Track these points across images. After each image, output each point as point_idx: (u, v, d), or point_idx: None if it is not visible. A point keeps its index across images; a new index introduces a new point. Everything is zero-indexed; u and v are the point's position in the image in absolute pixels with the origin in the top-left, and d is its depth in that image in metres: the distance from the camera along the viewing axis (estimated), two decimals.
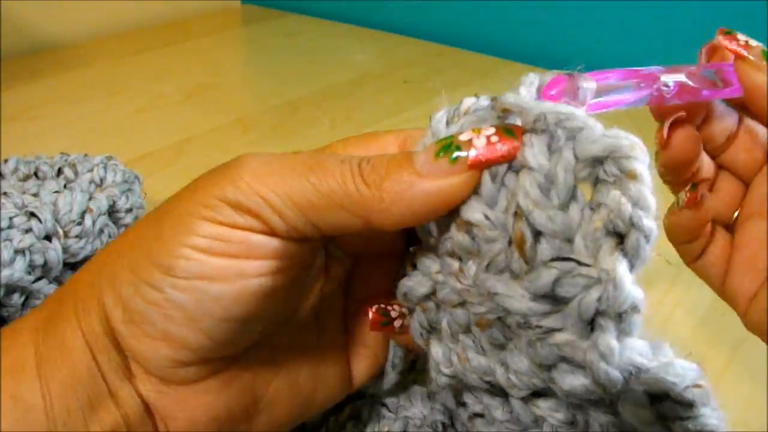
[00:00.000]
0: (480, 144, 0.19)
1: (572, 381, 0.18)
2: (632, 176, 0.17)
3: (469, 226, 0.19)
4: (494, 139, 0.19)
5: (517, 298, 0.18)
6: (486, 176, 0.19)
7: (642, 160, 0.17)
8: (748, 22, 0.70)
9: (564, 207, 0.18)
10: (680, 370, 0.18)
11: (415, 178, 0.20)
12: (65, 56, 0.91)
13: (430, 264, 0.22)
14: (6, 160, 0.43)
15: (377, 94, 0.80)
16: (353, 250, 0.26)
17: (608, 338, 0.17)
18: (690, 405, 0.18)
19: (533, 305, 0.18)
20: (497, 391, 0.21)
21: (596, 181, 0.18)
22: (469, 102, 0.21)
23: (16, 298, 0.33)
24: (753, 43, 0.25)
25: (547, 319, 0.18)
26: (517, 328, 0.19)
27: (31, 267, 0.33)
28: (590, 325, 0.17)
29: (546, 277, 0.17)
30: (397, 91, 0.81)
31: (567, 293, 0.17)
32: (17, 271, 0.32)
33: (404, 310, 0.24)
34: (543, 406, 0.20)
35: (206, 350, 0.21)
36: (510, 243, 0.18)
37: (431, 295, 0.22)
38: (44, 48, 0.94)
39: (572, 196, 0.18)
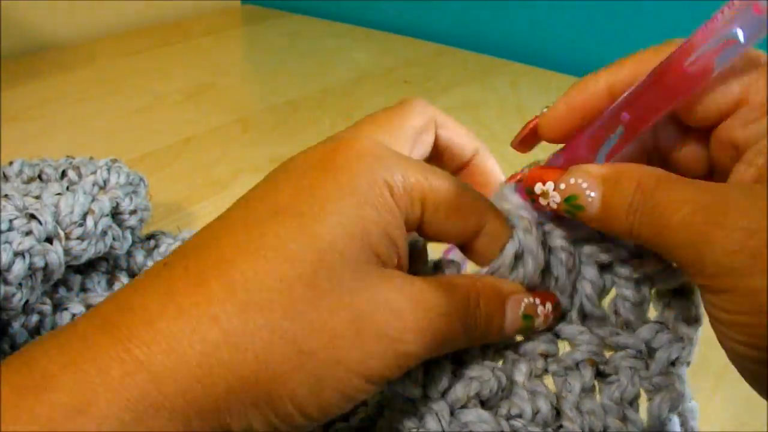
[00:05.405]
0: (541, 327, 0.26)
1: (634, 416, 0.25)
2: (693, 293, 0.26)
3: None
4: (549, 318, 0.26)
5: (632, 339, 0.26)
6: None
7: None
8: None
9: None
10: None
11: (503, 333, 0.26)
12: (65, 56, 0.91)
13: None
14: (11, 163, 0.43)
15: (377, 94, 0.80)
16: None
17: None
18: None
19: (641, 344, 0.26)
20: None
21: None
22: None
23: (16, 301, 0.33)
24: (555, 199, 0.24)
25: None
26: (621, 361, 0.26)
27: (32, 270, 0.33)
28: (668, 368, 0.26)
29: (647, 330, 0.26)
30: (397, 91, 0.81)
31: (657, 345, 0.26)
32: (16, 273, 0.32)
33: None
34: None
35: None
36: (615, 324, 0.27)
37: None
38: (44, 48, 0.94)
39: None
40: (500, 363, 0.27)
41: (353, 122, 0.29)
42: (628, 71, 0.24)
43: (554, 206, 0.24)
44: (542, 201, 0.24)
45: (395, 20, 1.03)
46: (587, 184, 0.23)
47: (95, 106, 0.76)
